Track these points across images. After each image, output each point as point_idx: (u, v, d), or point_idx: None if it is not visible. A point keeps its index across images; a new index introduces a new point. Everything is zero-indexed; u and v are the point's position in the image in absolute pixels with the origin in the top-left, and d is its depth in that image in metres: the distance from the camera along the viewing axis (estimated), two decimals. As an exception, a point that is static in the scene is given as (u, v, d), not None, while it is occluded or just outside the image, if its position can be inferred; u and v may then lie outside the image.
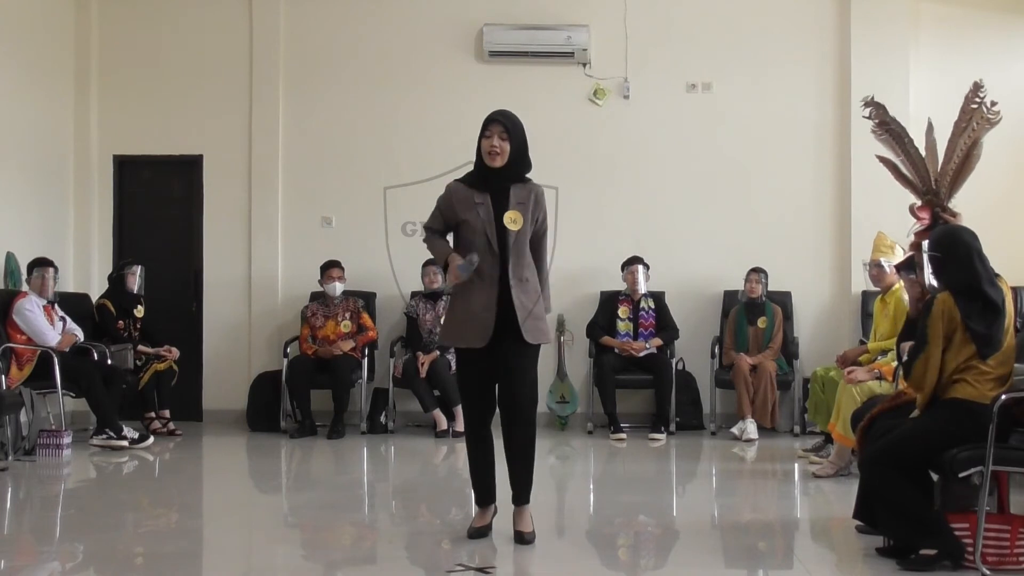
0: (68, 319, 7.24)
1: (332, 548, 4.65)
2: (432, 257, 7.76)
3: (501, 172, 4.33)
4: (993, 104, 4.50)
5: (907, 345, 4.53)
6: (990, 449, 3.85)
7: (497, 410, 4.45)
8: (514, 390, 4.35)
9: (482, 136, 4.34)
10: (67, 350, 6.97)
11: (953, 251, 4.09)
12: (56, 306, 7.20)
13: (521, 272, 4.34)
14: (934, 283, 4.29)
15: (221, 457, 7.34)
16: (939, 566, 3.96)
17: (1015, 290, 7.06)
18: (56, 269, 7.21)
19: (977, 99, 4.53)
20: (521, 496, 4.42)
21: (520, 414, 4.37)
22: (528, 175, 4.45)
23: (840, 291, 8.21)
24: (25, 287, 7.14)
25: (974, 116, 4.53)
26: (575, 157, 8.25)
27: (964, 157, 4.59)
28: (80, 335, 7.22)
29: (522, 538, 4.37)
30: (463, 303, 4.36)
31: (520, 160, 4.39)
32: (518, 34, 8.22)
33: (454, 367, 7.58)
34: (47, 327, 6.94)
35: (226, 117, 8.41)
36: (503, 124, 4.31)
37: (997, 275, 4.19)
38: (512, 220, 4.30)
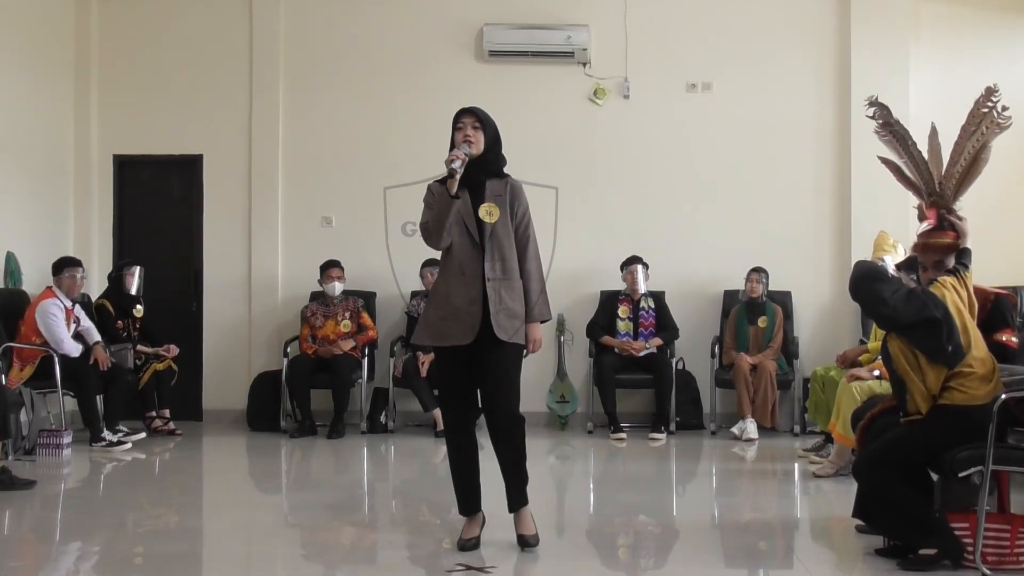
0: (83, 318, 7.24)
1: (332, 548, 4.65)
2: (429, 258, 7.89)
3: (477, 165, 4.22)
4: (1005, 109, 4.51)
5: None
6: (990, 449, 3.86)
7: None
8: (496, 398, 4.22)
9: (454, 129, 4.27)
10: (105, 368, 7.01)
11: (860, 298, 4.27)
12: (77, 306, 7.21)
13: (499, 268, 4.22)
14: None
15: (221, 457, 7.34)
16: (939, 566, 3.96)
17: (1015, 290, 7.10)
18: (83, 269, 7.26)
19: (989, 103, 4.54)
20: (517, 501, 4.31)
21: (504, 423, 4.24)
22: (505, 171, 4.37)
23: (840, 291, 8.19)
24: (52, 286, 7.11)
25: (984, 120, 4.53)
26: (575, 157, 8.26)
27: (972, 160, 4.60)
28: (95, 336, 7.23)
29: (525, 542, 4.30)
30: (443, 300, 4.25)
31: (494, 154, 4.32)
32: (518, 34, 8.22)
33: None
34: (66, 336, 6.91)
35: (226, 117, 8.41)
36: (475, 114, 4.26)
37: (938, 279, 4.19)
38: (488, 212, 4.22)
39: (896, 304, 4.10)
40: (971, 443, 3.92)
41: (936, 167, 4.72)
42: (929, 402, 4.05)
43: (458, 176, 4.09)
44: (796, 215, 8.25)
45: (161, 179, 8.63)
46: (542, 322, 4.34)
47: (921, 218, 4.80)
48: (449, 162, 4.11)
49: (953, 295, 4.15)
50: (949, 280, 4.21)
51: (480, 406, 4.32)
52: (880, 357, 4.61)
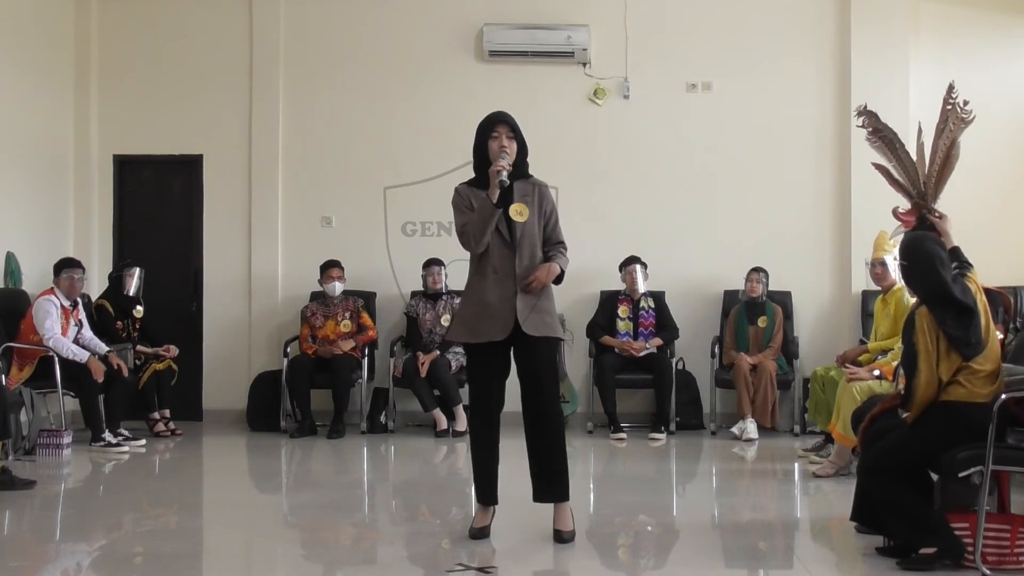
0: (85, 326, 7.22)
1: (332, 548, 4.65)
2: (432, 257, 7.92)
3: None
4: (966, 103, 4.57)
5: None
6: (990, 449, 3.86)
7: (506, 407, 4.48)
8: (539, 393, 4.37)
9: (488, 137, 4.39)
10: (100, 380, 6.90)
11: (917, 261, 4.14)
12: (80, 309, 7.19)
13: (529, 267, 4.37)
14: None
15: (221, 457, 7.33)
16: (939, 566, 3.96)
17: (1015, 290, 7.11)
18: (84, 270, 7.23)
19: (952, 100, 4.60)
20: (561, 493, 4.42)
21: (546, 418, 4.39)
22: (530, 172, 4.52)
23: (840, 291, 8.21)
24: (54, 286, 7.10)
25: (950, 117, 4.59)
26: (575, 157, 8.25)
27: (944, 158, 4.67)
28: (101, 348, 7.22)
29: (560, 537, 4.39)
30: (477, 297, 4.39)
31: (522, 157, 4.47)
32: (518, 34, 8.22)
33: (454, 367, 7.65)
34: (55, 331, 6.84)
35: (226, 117, 8.41)
36: (509, 124, 4.40)
37: (965, 272, 4.21)
38: (518, 212, 4.35)
39: (950, 271, 4.09)
40: (971, 443, 3.92)
41: (922, 167, 4.77)
42: (935, 391, 4.04)
43: (504, 186, 4.25)
44: (796, 215, 8.25)
45: (161, 179, 8.63)
46: (558, 277, 4.41)
47: (898, 220, 4.88)
48: (496, 173, 4.26)
49: (981, 294, 4.16)
50: (974, 277, 4.22)
51: (522, 405, 4.43)
52: (901, 336, 4.55)
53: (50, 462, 6.51)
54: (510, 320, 4.32)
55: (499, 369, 4.42)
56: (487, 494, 4.48)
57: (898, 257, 4.32)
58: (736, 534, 4.90)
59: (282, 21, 8.43)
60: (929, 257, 4.10)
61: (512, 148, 4.37)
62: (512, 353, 4.43)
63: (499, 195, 4.30)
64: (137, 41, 8.50)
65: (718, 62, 8.32)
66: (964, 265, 4.30)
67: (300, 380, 7.66)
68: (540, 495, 4.47)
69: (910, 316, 4.21)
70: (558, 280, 4.43)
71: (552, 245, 4.48)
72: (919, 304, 4.17)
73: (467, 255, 4.50)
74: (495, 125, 4.39)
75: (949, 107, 4.60)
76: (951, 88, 4.62)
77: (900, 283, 6.28)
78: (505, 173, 4.25)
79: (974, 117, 4.59)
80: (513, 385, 4.47)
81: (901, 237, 5.03)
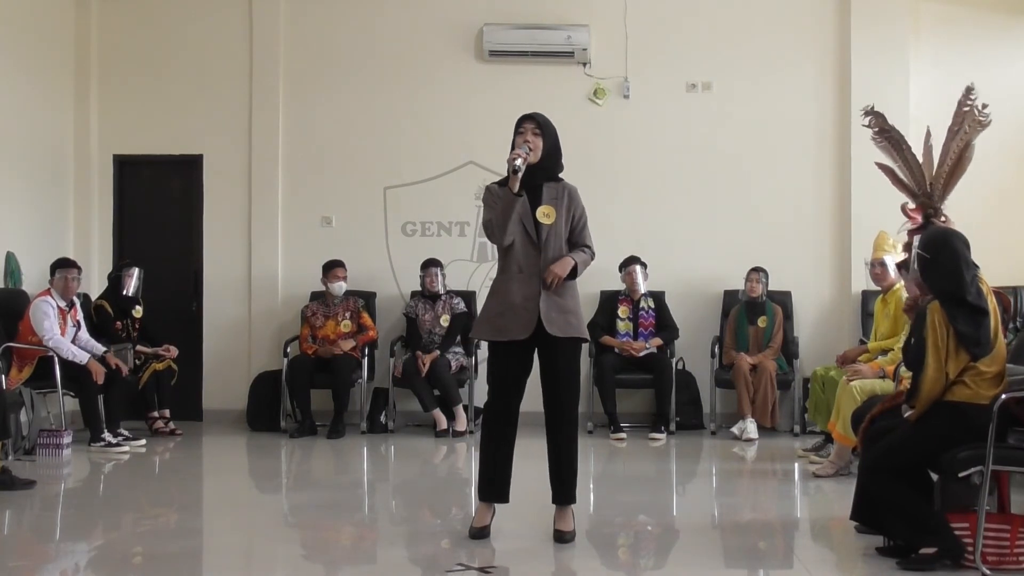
0: (82, 327, 7.21)
1: (332, 548, 4.65)
2: (430, 258, 7.91)
3: (534, 170, 4.38)
4: (984, 106, 4.56)
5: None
6: (990, 449, 3.86)
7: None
8: (559, 393, 4.43)
9: (516, 134, 4.44)
10: (100, 381, 6.90)
11: (941, 256, 4.12)
12: (78, 309, 7.19)
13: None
14: (920, 279, 4.34)
15: (221, 457, 7.34)
16: (939, 565, 3.96)
17: (1015, 290, 7.11)
18: (79, 270, 7.21)
19: (969, 102, 4.59)
20: (568, 495, 4.45)
21: (565, 416, 4.44)
22: (560, 175, 4.56)
23: (840, 291, 8.21)
24: (50, 287, 7.09)
25: (966, 119, 4.58)
26: (575, 157, 8.04)
27: (957, 159, 4.66)
28: (98, 349, 7.20)
29: (561, 537, 4.40)
30: (502, 296, 4.43)
31: (553, 159, 4.51)
32: (518, 34, 8.22)
33: (454, 367, 7.65)
34: (53, 332, 6.82)
35: (226, 117, 8.41)
36: (536, 120, 4.45)
37: (976, 272, 4.21)
38: (545, 215, 4.42)
39: (972, 272, 4.08)
40: (971, 443, 3.92)
41: (928, 169, 4.78)
42: (942, 387, 4.04)
43: (520, 174, 4.26)
44: (796, 215, 8.25)
45: (161, 179, 8.63)
46: (573, 273, 4.43)
47: (906, 216, 4.88)
48: (512, 160, 4.29)
49: (991, 296, 4.15)
50: (982, 277, 4.21)
51: (543, 403, 4.48)
52: (909, 330, 4.54)
53: (50, 462, 6.51)
54: (533, 320, 4.36)
55: (520, 367, 4.45)
56: (495, 491, 4.47)
57: (918, 247, 4.27)
58: (736, 534, 4.90)
59: (282, 21, 8.42)
60: (955, 256, 4.08)
61: (536, 144, 4.40)
62: (536, 352, 4.47)
63: (525, 191, 4.32)
64: (137, 41, 8.50)
65: (718, 62, 8.32)
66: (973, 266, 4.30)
67: (300, 380, 7.66)
68: (553, 496, 4.49)
69: (920, 310, 4.20)
70: (572, 275, 4.45)
71: (577, 248, 4.52)
72: (930, 298, 4.16)
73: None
74: (523, 122, 4.45)
75: (966, 109, 4.60)
76: (969, 90, 4.61)
77: (900, 283, 6.27)
78: (520, 160, 4.27)
79: (991, 120, 4.58)
80: (531, 385, 4.50)
81: (905, 233, 5.03)
